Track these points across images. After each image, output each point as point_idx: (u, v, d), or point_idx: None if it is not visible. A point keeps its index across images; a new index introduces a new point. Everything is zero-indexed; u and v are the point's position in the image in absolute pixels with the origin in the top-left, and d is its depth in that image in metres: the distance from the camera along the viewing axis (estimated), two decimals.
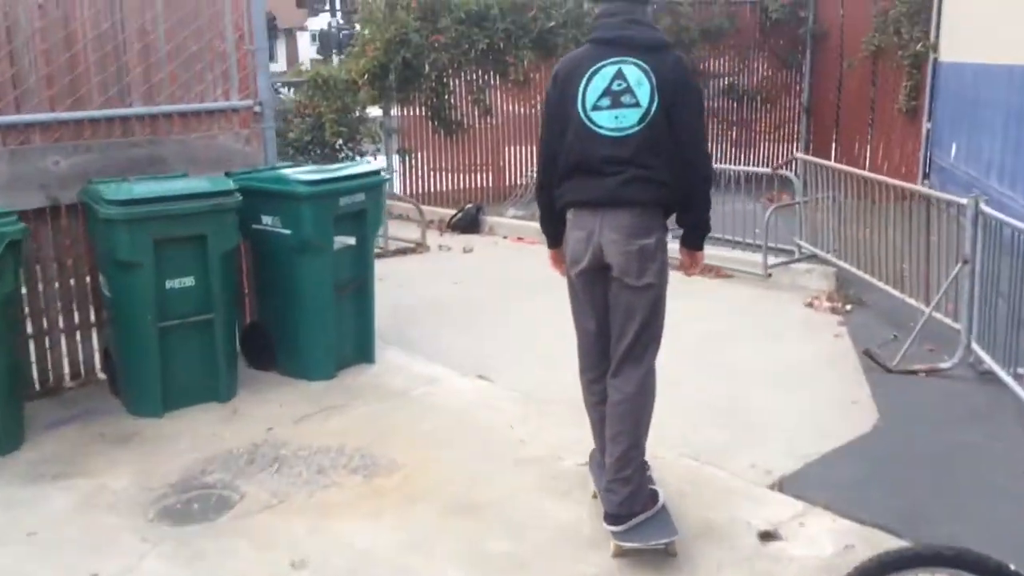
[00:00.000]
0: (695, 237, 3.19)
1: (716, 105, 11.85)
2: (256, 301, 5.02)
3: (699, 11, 11.43)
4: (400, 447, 3.95)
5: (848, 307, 6.13)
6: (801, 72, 11.99)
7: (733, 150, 12.21)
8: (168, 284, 4.22)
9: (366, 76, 10.36)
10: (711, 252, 7.41)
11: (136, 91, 4.74)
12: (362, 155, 11.34)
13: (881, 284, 5.98)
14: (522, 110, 11.35)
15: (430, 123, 10.90)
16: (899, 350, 4.95)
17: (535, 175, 3.35)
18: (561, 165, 3.04)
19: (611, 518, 3.06)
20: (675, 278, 3.29)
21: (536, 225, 3.90)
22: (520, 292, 6.67)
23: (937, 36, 9.71)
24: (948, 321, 5.12)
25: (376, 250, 8.68)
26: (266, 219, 4.63)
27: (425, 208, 10.21)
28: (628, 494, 3.04)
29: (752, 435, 4.12)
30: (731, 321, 5.99)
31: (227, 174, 4.77)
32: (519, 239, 8.90)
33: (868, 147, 11.11)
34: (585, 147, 2.97)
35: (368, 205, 4.79)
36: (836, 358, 5.19)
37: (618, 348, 3.08)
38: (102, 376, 4.69)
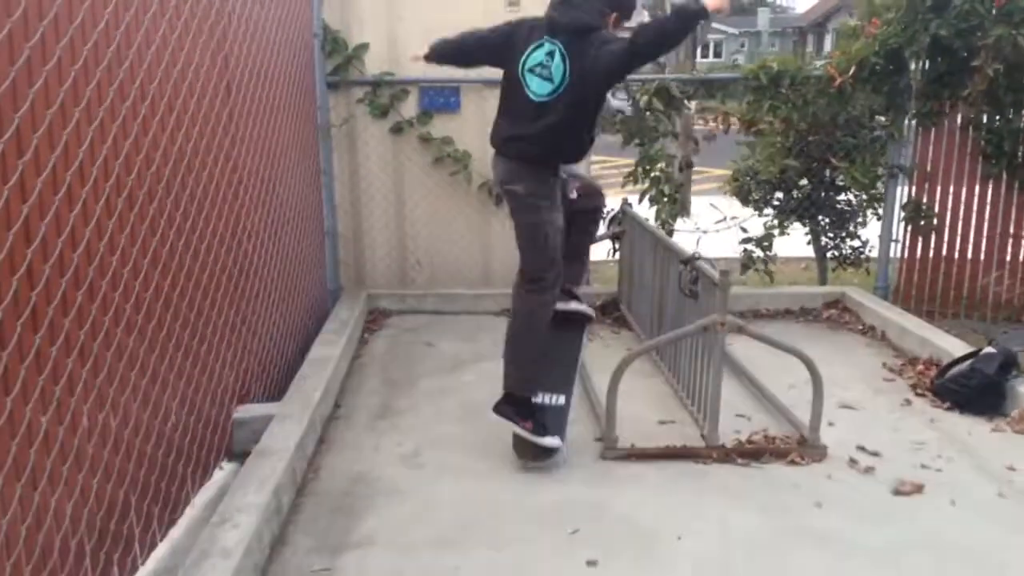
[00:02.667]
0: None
1: None
2: None
3: None
4: None
5: None
6: None
7: None
8: None
9: (853, 70, 5.83)
10: None
11: None
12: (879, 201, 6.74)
13: None
14: None
15: (977, 157, 5.91)
16: None
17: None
18: (499, 104, 3.60)
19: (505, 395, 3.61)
20: None
21: None
22: None
23: None
24: None
25: (689, 443, 3.59)
26: None
27: (917, 331, 5.36)
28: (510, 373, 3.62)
29: None
30: None
31: None
32: None
33: None
34: (515, 97, 3.50)
35: None
36: None
37: None
38: None
